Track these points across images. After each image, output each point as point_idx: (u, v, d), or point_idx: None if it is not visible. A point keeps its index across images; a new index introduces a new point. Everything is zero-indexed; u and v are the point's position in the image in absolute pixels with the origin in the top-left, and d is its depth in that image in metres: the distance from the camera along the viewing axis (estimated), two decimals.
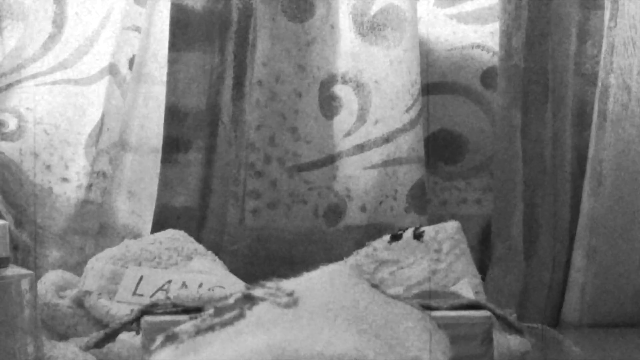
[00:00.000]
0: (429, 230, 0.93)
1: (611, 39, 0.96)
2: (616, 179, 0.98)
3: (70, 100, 1.01)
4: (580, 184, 1.00)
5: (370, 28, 0.97)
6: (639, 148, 0.97)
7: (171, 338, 0.55)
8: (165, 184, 0.98)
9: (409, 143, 0.98)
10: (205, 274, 0.88)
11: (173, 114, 0.97)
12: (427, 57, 1.01)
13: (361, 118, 0.98)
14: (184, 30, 0.96)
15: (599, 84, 0.98)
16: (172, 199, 0.98)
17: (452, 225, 0.94)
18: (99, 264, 0.87)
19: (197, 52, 0.96)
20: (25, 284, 0.72)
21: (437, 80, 1.03)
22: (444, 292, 0.89)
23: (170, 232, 0.93)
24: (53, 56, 0.99)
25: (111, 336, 0.73)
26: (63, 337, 0.86)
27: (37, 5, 0.99)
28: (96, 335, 0.74)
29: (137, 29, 1.01)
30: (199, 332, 0.55)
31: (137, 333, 0.72)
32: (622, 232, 0.98)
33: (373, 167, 0.99)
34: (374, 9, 0.97)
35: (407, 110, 0.98)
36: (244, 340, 0.55)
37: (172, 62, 0.96)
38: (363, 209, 0.99)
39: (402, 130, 0.98)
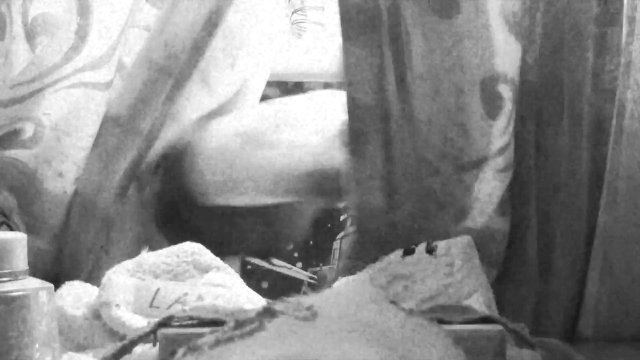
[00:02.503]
0: (441, 245, 0.94)
1: (628, 55, 0.97)
2: (633, 194, 0.98)
3: (84, 105, 1.02)
4: (597, 198, 1.00)
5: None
6: None
7: (192, 350, 0.56)
8: (358, 181, 1.00)
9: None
10: (222, 287, 0.88)
11: (352, 106, 0.99)
12: None
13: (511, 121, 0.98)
14: (349, 24, 0.98)
15: (617, 99, 0.98)
16: (365, 196, 1.00)
17: (464, 240, 0.95)
18: (116, 276, 0.88)
19: (360, 46, 0.98)
20: (44, 296, 0.72)
21: None
22: (457, 306, 0.90)
23: (187, 246, 0.93)
24: (72, 65, 1.01)
25: (128, 348, 0.74)
26: (80, 348, 0.86)
27: (65, 18, 1.01)
28: (113, 347, 0.75)
29: (147, 28, 1.04)
30: (218, 343, 0.56)
31: (154, 345, 0.73)
32: (639, 247, 0.98)
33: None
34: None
35: None
36: (262, 352, 0.56)
37: (344, 53, 0.99)
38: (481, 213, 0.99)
39: None
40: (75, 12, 1.00)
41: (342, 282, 0.94)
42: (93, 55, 1.01)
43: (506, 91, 0.97)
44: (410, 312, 0.65)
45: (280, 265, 1.22)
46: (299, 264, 1.23)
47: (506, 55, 0.97)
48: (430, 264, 0.92)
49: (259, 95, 1.16)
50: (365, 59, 0.98)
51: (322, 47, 1.23)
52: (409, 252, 0.94)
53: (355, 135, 1.00)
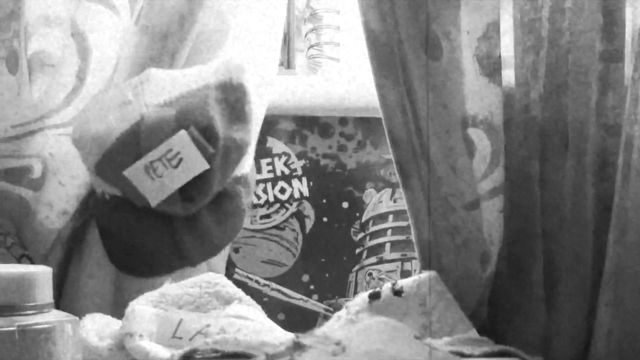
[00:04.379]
0: (407, 285, 0.93)
1: (636, 90, 0.97)
2: None
3: None
4: (603, 233, 1.00)
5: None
6: None
7: None
8: (416, 217, 1.02)
9: None
10: (244, 319, 0.89)
11: (391, 139, 1.02)
12: None
13: (494, 161, 0.99)
14: (377, 57, 1.00)
15: (623, 134, 0.98)
16: (420, 230, 1.02)
17: (430, 277, 0.94)
18: (140, 307, 0.89)
19: (389, 79, 1.00)
20: (69, 329, 0.73)
21: None
22: (475, 339, 0.92)
23: (209, 276, 0.94)
24: (74, 108, 1.03)
25: None
26: None
27: (64, 59, 1.02)
28: None
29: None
30: None
31: None
32: None
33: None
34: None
35: None
36: None
37: (378, 87, 1.00)
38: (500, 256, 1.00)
39: None
40: (76, 54, 1.02)
41: (368, 319, 0.90)
42: (91, 93, 1.03)
43: (476, 134, 0.98)
44: (434, 348, 0.67)
45: (296, 298, 1.26)
46: (315, 296, 1.24)
47: (477, 97, 0.98)
48: (400, 307, 0.91)
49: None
50: (393, 94, 1.00)
51: (338, 82, 1.24)
52: (375, 296, 0.93)
53: (401, 169, 1.02)
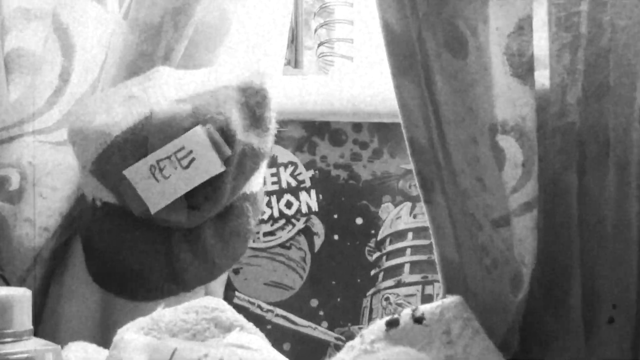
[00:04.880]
0: (429, 311, 0.93)
1: None
2: None
3: (71, 161, 1.06)
4: None
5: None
6: None
7: None
8: (438, 235, 1.04)
9: None
10: (245, 349, 0.89)
11: (412, 147, 1.03)
12: None
13: (526, 173, 0.99)
14: (395, 55, 1.01)
15: None
16: (442, 248, 1.04)
17: (455, 302, 0.94)
18: (129, 335, 0.89)
19: (409, 81, 1.01)
20: (49, 358, 0.75)
21: None
22: None
23: (207, 301, 0.94)
24: (58, 111, 1.04)
25: None
26: None
27: (47, 58, 1.04)
28: None
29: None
30: None
31: None
32: None
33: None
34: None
35: None
36: None
37: (397, 89, 1.02)
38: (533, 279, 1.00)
39: None
40: (59, 51, 1.04)
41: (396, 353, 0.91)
42: (75, 95, 1.04)
43: (506, 142, 0.98)
44: None
45: (304, 325, 1.28)
46: (325, 324, 1.26)
47: (508, 101, 0.98)
48: (421, 336, 0.91)
49: None
50: (414, 97, 1.02)
51: (352, 83, 1.26)
52: (392, 323, 0.93)
53: (423, 180, 1.04)
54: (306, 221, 1.28)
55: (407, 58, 1.01)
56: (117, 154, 0.98)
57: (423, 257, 1.28)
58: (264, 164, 1.09)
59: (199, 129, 0.98)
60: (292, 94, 1.26)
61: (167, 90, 1.01)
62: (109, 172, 1.00)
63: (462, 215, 1.02)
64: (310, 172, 1.28)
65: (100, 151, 0.99)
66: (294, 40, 1.35)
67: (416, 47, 1.01)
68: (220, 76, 1.03)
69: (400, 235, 1.29)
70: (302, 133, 1.28)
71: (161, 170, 0.98)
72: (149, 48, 1.06)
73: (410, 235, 1.29)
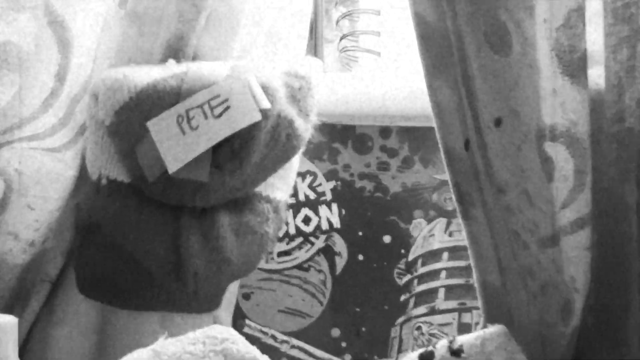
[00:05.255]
0: (468, 342, 0.93)
1: None
2: None
3: (64, 170, 1.07)
4: None
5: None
6: None
7: None
8: (478, 256, 1.04)
9: None
10: None
11: (447, 156, 1.04)
12: None
13: (578, 185, 0.99)
14: (428, 51, 1.02)
15: None
16: (484, 275, 1.04)
17: (498, 332, 0.95)
18: None
19: (444, 80, 1.02)
20: None
21: None
22: None
23: (215, 330, 0.94)
24: (53, 114, 1.04)
25: None
26: None
27: (40, 56, 1.03)
28: None
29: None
30: None
31: None
32: None
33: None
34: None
35: None
36: None
37: (430, 88, 1.02)
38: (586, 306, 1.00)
39: None
40: (54, 47, 1.03)
41: None
42: (72, 96, 1.05)
43: (555, 149, 0.98)
44: None
45: (323, 358, 1.27)
46: (348, 357, 1.27)
47: (557, 103, 0.98)
48: None
49: None
50: (450, 98, 1.02)
51: (379, 82, 1.26)
52: (426, 356, 0.93)
53: (460, 193, 1.04)
54: (327, 239, 1.28)
55: (442, 54, 1.02)
56: (143, 106, 1.00)
57: (460, 281, 1.28)
58: (296, 158, 1.10)
59: (238, 77, 0.99)
60: None
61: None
62: (129, 126, 1.01)
63: (505, 233, 1.02)
64: (331, 184, 1.29)
65: (125, 100, 1.00)
66: (313, 33, 1.35)
67: (452, 43, 1.01)
68: (264, 63, 1.05)
69: (434, 255, 1.29)
70: (322, 138, 1.29)
71: (189, 120, 0.99)
72: (149, 43, 1.06)
73: (445, 255, 1.29)
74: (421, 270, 1.29)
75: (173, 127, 0.99)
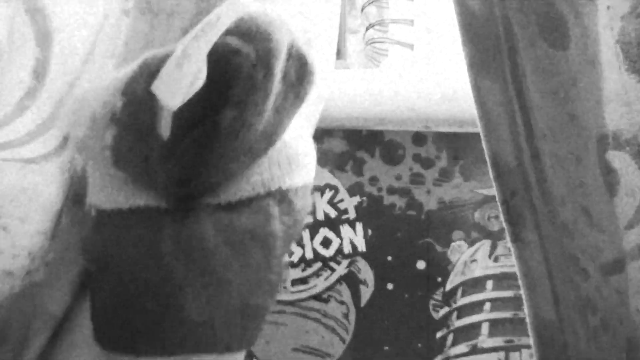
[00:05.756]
0: None
1: None
2: None
3: (45, 184, 1.05)
4: None
5: None
6: None
7: None
8: (529, 286, 1.06)
9: None
10: None
11: (496, 168, 1.05)
12: None
13: None
14: (471, 44, 1.03)
15: None
16: (536, 308, 1.05)
17: None
18: None
19: (489, 77, 1.04)
20: None
21: None
22: None
23: None
24: (30, 119, 1.04)
25: None
26: None
27: (15, 48, 1.03)
28: None
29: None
30: None
31: None
32: None
33: None
34: None
35: None
36: None
37: (475, 87, 1.04)
38: None
39: None
40: (33, 39, 1.03)
41: None
42: (54, 96, 1.03)
43: (619, 159, 0.99)
44: None
45: None
46: None
47: (622, 105, 0.99)
48: None
49: None
50: (498, 99, 1.04)
51: (411, 80, 1.26)
52: None
53: (509, 211, 1.06)
54: (349, 265, 1.29)
55: (489, 49, 1.03)
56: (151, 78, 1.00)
57: (507, 314, 1.29)
58: (310, 159, 1.10)
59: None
60: (333, 93, 1.27)
61: None
62: (136, 95, 1.01)
63: (562, 259, 1.04)
64: (356, 199, 1.30)
65: (133, 73, 1.00)
66: None
67: (501, 35, 1.03)
68: None
69: (476, 284, 1.30)
70: (345, 147, 1.30)
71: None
72: (162, 35, 1.08)
73: (489, 284, 1.30)
74: (461, 301, 1.30)
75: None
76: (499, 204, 1.07)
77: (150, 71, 1.02)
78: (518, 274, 1.08)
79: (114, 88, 1.03)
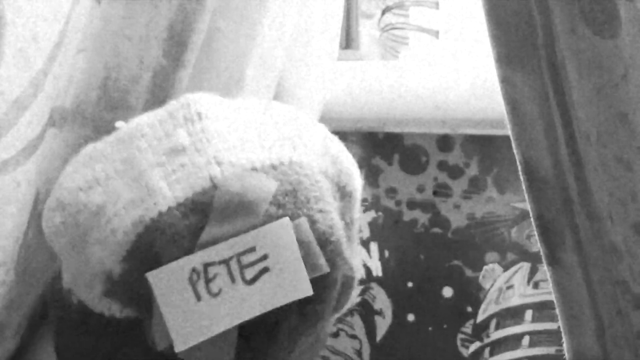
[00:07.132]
0: None
1: None
2: None
3: (14, 193, 1.09)
4: None
5: None
6: None
7: None
8: (571, 315, 1.06)
9: None
10: None
11: (529, 180, 1.06)
12: None
13: None
14: (499, 32, 1.04)
15: None
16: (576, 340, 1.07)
17: None
18: None
19: (522, 71, 1.04)
20: None
21: None
22: None
23: None
24: None
25: None
26: None
27: None
28: None
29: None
30: None
31: None
32: None
33: None
34: None
35: None
36: None
37: (504, 83, 1.05)
38: None
39: None
40: None
41: None
42: (7, 98, 1.06)
43: None
44: None
45: None
46: None
47: None
48: None
49: None
50: (533, 96, 1.04)
51: (437, 73, 1.28)
52: None
53: (546, 229, 1.07)
54: (363, 292, 1.30)
55: (521, 37, 1.04)
56: (152, 248, 0.99)
57: (549, 350, 1.30)
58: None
59: (286, 222, 0.98)
60: (342, 88, 1.28)
61: (226, 143, 1.02)
62: (133, 274, 0.99)
63: (608, 284, 1.04)
64: (370, 215, 1.31)
65: (132, 239, 1.00)
66: (345, 5, 1.36)
67: (536, 20, 1.03)
68: (303, 122, 1.05)
69: (513, 314, 1.31)
70: (358, 152, 1.31)
71: (208, 281, 0.98)
72: (140, 29, 1.09)
73: (529, 314, 1.31)
74: (495, 335, 1.31)
75: (184, 287, 0.97)
76: (532, 219, 1.08)
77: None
78: (555, 302, 1.08)
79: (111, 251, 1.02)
